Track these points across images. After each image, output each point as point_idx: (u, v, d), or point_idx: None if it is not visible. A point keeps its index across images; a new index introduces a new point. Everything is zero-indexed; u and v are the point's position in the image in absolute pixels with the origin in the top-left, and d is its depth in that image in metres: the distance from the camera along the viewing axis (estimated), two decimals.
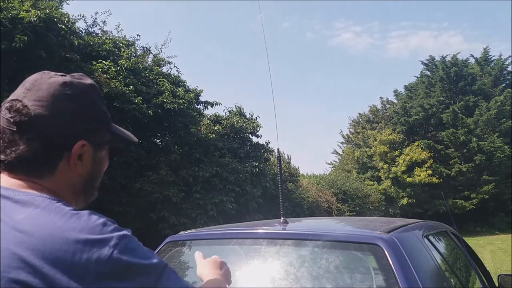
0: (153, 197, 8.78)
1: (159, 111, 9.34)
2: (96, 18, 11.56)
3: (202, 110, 11.77)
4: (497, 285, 2.77)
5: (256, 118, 12.35)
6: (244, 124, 11.80)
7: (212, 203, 9.46)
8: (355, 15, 48.62)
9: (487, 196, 22.50)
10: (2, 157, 0.84)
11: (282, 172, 2.30)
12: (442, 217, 16.20)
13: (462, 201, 22.72)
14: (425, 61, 26.95)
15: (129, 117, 8.72)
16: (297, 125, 45.23)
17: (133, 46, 11.16)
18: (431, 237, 2.02)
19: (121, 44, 10.32)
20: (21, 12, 7.00)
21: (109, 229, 0.77)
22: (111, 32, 11.66)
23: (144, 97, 9.16)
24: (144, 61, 11.63)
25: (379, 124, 26.68)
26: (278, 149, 2.24)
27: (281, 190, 2.08)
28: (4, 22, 6.79)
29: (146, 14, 44.12)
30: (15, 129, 0.82)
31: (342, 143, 29.04)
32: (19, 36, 6.73)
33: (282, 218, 2.06)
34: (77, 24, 9.32)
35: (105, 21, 11.66)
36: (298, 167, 16.97)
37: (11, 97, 0.86)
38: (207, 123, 11.26)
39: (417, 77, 27.13)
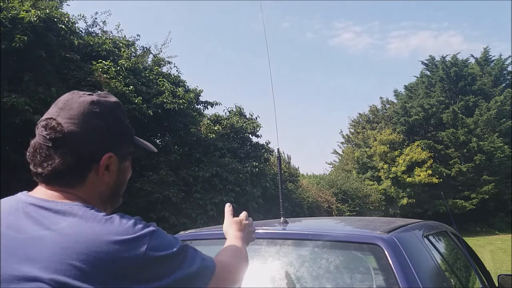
0: (153, 197, 8.78)
1: (159, 111, 9.34)
2: (96, 18, 11.60)
3: (202, 110, 11.78)
4: (497, 285, 2.77)
5: (256, 118, 12.36)
6: (244, 124, 11.79)
7: (212, 203, 9.46)
8: (355, 15, 48.68)
9: (487, 196, 22.51)
10: (40, 170, 0.94)
11: (282, 172, 2.28)
12: (442, 217, 16.20)
13: (462, 201, 22.72)
14: (425, 61, 27.02)
15: (129, 117, 8.54)
16: (297, 125, 45.29)
17: (133, 46, 11.18)
18: (431, 237, 2.02)
19: (121, 44, 10.32)
20: (21, 12, 7.00)
21: (140, 227, 0.88)
22: (111, 32, 11.69)
23: (144, 97, 9.17)
24: (144, 61, 11.63)
25: (379, 124, 26.69)
26: (278, 149, 2.22)
27: (281, 190, 2.07)
28: (4, 22, 6.78)
29: (146, 14, 44.17)
30: (50, 145, 0.93)
31: (342, 143, 29.11)
32: (19, 36, 6.72)
33: (282, 218, 2.05)
34: (77, 24, 9.33)
35: (105, 21, 11.71)
36: (298, 167, 17.00)
37: (46, 115, 0.97)
38: (207, 123, 11.26)
39: (417, 77, 27.20)
